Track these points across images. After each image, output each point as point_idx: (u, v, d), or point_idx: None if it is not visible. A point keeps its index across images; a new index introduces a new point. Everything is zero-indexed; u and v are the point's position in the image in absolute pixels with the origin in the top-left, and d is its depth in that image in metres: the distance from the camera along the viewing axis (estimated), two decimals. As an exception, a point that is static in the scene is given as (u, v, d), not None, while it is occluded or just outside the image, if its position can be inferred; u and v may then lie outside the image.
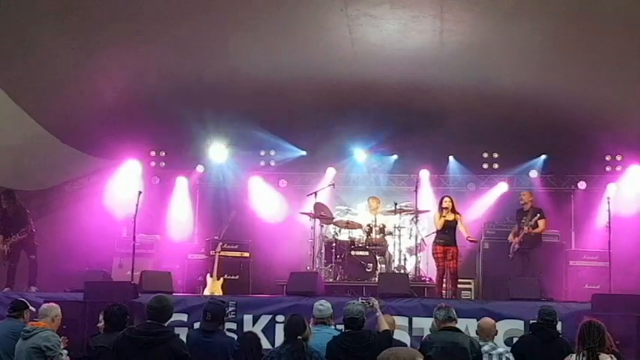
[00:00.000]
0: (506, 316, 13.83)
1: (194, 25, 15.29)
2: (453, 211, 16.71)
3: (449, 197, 16.93)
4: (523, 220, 17.56)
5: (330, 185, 19.59)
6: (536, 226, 17.36)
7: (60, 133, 17.85)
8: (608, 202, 16.49)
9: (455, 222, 16.68)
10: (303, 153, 20.90)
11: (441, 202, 16.87)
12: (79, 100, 17.05)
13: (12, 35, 14.27)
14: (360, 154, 20.49)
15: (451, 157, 20.62)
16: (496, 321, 11.68)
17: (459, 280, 17.17)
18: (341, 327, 10.06)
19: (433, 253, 16.85)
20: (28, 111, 16.38)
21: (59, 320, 10.60)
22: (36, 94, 16.09)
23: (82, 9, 14.27)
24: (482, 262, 19.17)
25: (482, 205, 20.18)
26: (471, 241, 17.21)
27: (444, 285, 16.83)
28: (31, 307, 11.30)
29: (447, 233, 16.62)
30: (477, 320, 11.31)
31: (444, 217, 16.59)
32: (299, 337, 9.05)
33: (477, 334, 10.75)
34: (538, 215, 17.38)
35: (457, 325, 9.98)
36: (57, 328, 10.56)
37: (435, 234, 17.21)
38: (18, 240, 16.68)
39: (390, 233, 18.69)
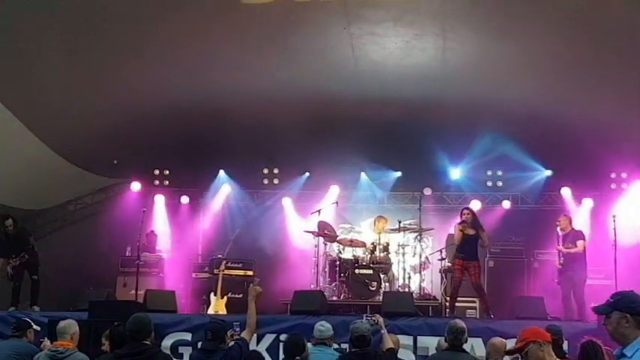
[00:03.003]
0: (513, 336, 13.63)
1: (198, 46, 15.34)
2: (474, 224, 16.43)
3: (469, 210, 16.69)
4: (565, 244, 17.07)
5: (333, 203, 19.55)
6: (574, 246, 17.03)
7: (64, 152, 17.89)
8: (614, 220, 16.41)
9: (476, 236, 16.31)
10: (307, 173, 20.89)
11: (461, 215, 16.56)
12: (84, 119, 17.09)
13: (17, 56, 14.35)
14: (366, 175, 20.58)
15: (454, 175, 20.55)
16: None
17: (462, 299, 17.07)
18: (345, 346, 10.03)
19: (452, 265, 16.64)
20: (33, 130, 16.44)
21: (77, 337, 10.44)
22: (41, 114, 16.16)
23: (87, 30, 14.34)
24: (488, 280, 19.06)
25: (487, 223, 20.05)
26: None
27: (446, 299, 16.73)
28: (35, 327, 11.25)
29: (467, 247, 16.23)
30: (483, 339, 11.22)
31: (462, 230, 16.21)
32: (297, 357, 9.01)
33: (488, 353, 10.65)
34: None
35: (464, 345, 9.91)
36: (76, 346, 10.45)
37: (440, 252, 17.14)
38: (19, 263, 16.68)
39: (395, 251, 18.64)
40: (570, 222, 17.37)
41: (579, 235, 17.11)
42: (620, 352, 5.58)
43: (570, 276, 16.66)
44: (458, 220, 16.64)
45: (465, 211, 16.55)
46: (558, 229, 17.18)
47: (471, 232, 16.24)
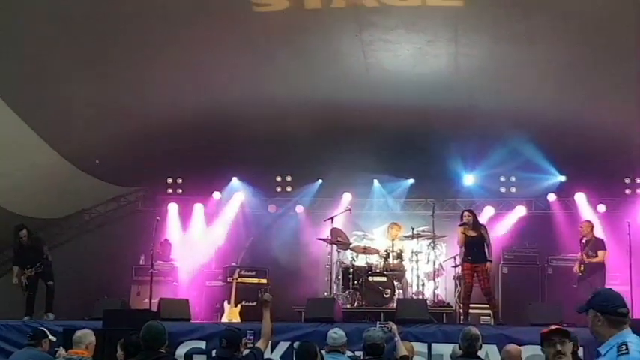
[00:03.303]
0: (527, 342, 13.61)
1: (210, 54, 15.38)
2: (476, 226, 16.33)
3: (469, 212, 16.52)
4: (585, 250, 17.24)
5: (346, 211, 19.53)
6: (595, 255, 17.13)
7: (78, 162, 17.93)
8: (629, 226, 16.35)
9: (479, 237, 16.16)
10: (319, 181, 20.89)
11: (461, 218, 16.43)
12: (97, 128, 17.13)
13: (30, 66, 14.39)
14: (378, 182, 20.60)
15: (467, 181, 20.50)
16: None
17: (476, 305, 17.03)
18: (359, 354, 10.00)
19: (462, 270, 16.52)
20: (47, 140, 16.49)
21: (93, 347, 10.49)
22: (54, 124, 16.21)
23: (100, 41, 14.39)
24: (502, 286, 19.01)
25: (500, 229, 20.02)
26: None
27: (460, 305, 16.68)
28: (50, 336, 11.27)
29: (473, 250, 16.10)
30: (497, 346, 11.17)
31: (464, 232, 16.14)
32: None
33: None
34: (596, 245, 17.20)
35: (479, 352, 9.88)
36: (92, 355, 10.48)
37: (454, 258, 17.11)
38: (35, 273, 16.73)
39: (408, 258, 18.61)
40: (592, 228, 17.49)
41: (600, 244, 17.20)
42: (596, 350, 5.70)
43: (589, 284, 16.59)
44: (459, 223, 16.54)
45: (466, 213, 16.42)
46: (581, 235, 17.34)
47: (473, 233, 16.14)
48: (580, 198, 20.13)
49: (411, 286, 18.32)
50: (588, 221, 17.84)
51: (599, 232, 18.02)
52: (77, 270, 19.12)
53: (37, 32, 13.82)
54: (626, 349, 5.43)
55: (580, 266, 17.11)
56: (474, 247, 16.12)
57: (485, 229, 16.59)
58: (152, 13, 14.13)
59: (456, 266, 17.92)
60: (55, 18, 13.67)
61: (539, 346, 12.62)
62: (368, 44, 15.20)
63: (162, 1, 13.95)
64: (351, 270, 18.15)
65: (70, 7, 13.58)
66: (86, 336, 10.36)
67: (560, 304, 15.99)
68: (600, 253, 17.04)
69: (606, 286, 17.08)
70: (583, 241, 17.38)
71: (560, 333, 6.57)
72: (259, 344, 9.82)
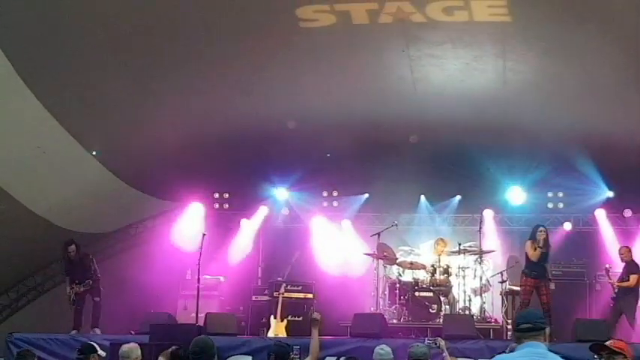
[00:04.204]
0: (574, 359, 13.52)
1: (256, 68, 15.45)
2: (546, 243, 16.16)
3: (544, 228, 16.40)
4: (621, 275, 17.36)
5: (393, 226, 19.48)
6: (627, 279, 17.11)
7: (125, 176, 18.08)
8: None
9: (546, 255, 16.13)
10: (366, 195, 20.87)
11: (535, 233, 16.19)
12: (143, 143, 17.27)
13: (78, 80, 14.55)
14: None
15: (514, 197, 20.37)
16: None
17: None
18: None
19: (521, 285, 16.36)
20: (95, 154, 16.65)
21: None
22: (101, 138, 16.34)
23: (147, 53, 14.53)
24: (549, 302, 18.86)
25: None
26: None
27: (507, 321, 16.56)
28: (100, 352, 11.33)
29: (539, 266, 16.02)
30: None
31: (541, 248, 15.97)
32: None
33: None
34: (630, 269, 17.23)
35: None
36: None
37: (501, 274, 17.05)
38: (84, 290, 16.88)
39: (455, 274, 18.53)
40: (630, 252, 17.61)
41: (634, 267, 17.17)
42: None
43: (620, 307, 16.95)
44: (528, 237, 16.40)
45: (542, 229, 16.25)
46: (621, 260, 17.51)
47: (544, 250, 16.03)
48: (628, 214, 19.97)
49: (458, 301, 18.26)
50: (626, 247, 17.92)
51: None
52: (124, 284, 19.21)
53: (85, 53, 13.98)
54: None
55: (615, 289, 17.23)
56: (541, 263, 16.04)
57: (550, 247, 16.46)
58: (199, 28, 14.23)
59: (503, 282, 17.81)
60: (104, 37, 13.83)
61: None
62: (415, 59, 15.20)
63: (207, 18, 14.02)
64: (398, 285, 18.14)
65: (118, 24, 13.72)
66: (132, 350, 10.40)
67: (608, 321, 15.88)
68: (632, 277, 17.04)
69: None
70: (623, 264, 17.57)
71: (608, 350, 6.81)
72: None
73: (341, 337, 15.74)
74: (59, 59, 13.98)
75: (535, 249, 15.93)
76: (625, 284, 17.09)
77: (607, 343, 7.21)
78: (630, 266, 17.29)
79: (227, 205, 21.60)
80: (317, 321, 10.36)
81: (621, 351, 6.70)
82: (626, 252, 17.61)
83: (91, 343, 11.69)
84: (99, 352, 11.22)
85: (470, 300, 18.31)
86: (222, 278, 19.93)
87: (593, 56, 14.68)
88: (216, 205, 21.54)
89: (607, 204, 20.14)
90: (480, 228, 18.80)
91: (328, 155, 19.24)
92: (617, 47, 14.30)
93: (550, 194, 20.61)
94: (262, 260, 21.00)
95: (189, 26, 14.18)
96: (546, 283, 16.00)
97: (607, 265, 17.83)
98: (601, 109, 16.55)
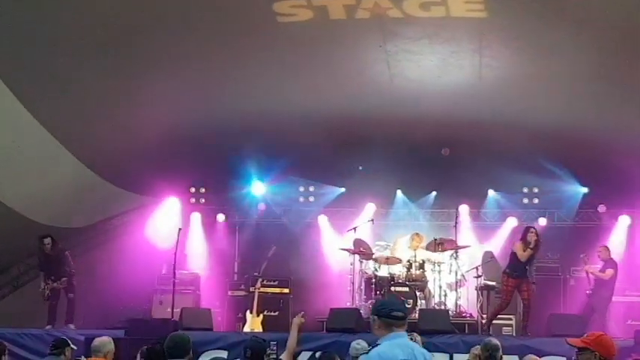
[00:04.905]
0: (548, 353, 13.59)
1: (233, 64, 15.41)
2: (537, 245, 16.09)
3: (535, 229, 16.36)
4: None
5: (369, 221, 19.51)
6: (603, 271, 17.41)
7: (100, 171, 17.99)
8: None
9: (533, 257, 16.14)
10: (342, 190, 20.89)
11: (526, 234, 16.14)
12: (119, 137, 17.20)
13: (53, 72, 14.45)
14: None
15: (490, 192, 20.49)
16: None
17: (500, 316, 16.96)
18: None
19: (503, 286, 16.28)
20: (69, 148, 16.55)
21: (112, 355, 10.48)
22: (77, 132, 16.26)
23: (122, 49, 14.43)
24: (524, 297, 18.96)
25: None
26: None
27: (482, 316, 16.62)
28: (72, 345, 11.28)
29: (524, 267, 15.99)
30: (518, 357, 11.16)
31: (532, 249, 15.89)
32: None
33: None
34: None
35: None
36: None
37: (476, 269, 17.09)
38: (59, 287, 16.80)
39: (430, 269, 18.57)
40: (608, 251, 17.89)
41: (611, 264, 17.51)
42: None
43: (592, 303, 17.28)
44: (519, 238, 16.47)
45: (533, 230, 16.22)
46: (599, 259, 17.75)
47: (534, 251, 16.02)
48: (602, 209, 20.10)
49: (433, 296, 18.29)
50: (605, 246, 18.11)
51: (621, 243, 18.08)
52: (99, 279, 19.17)
53: (59, 42, 13.88)
54: (371, 349, 6.09)
55: (589, 281, 17.51)
56: (527, 264, 16.04)
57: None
58: (176, 23, 14.17)
59: (478, 277, 17.87)
60: (78, 28, 13.74)
61: (562, 357, 12.67)
62: (392, 55, 15.21)
63: (185, 13, 13.98)
64: (374, 280, 18.16)
65: (95, 19, 13.64)
66: (104, 344, 10.35)
67: (582, 316, 15.98)
68: (608, 271, 17.17)
69: (625, 297, 17.40)
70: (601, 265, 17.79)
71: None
72: (283, 357, 9.83)
73: (317, 332, 15.76)
74: (34, 52, 13.88)
75: (525, 250, 15.90)
76: (599, 274, 17.21)
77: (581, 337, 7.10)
78: (608, 263, 17.43)
79: (203, 200, 21.56)
80: (299, 323, 10.39)
81: (594, 349, 6.61)
82: (604, 251, 17.80)
83: (64, 337, 11.64)
84: (72, 346, 11.18)
85: (445, 295, 18.34)
86: (198, 273, 19.91)
87: (567, 53, 14.74)
88: (193, 200, 21.50)
89: (582, 199, 20.26)
90: (456, 223, 18.84)
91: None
92: (592, 44, 14.37)
93: (525, 189, 20.69)
94: (239, 255, 21.00)
95: (166, 22, 14.10)
96: (527, 281, 15.99)
97: (582, 255, 17.94)
98: (575, 106, 16.63)
